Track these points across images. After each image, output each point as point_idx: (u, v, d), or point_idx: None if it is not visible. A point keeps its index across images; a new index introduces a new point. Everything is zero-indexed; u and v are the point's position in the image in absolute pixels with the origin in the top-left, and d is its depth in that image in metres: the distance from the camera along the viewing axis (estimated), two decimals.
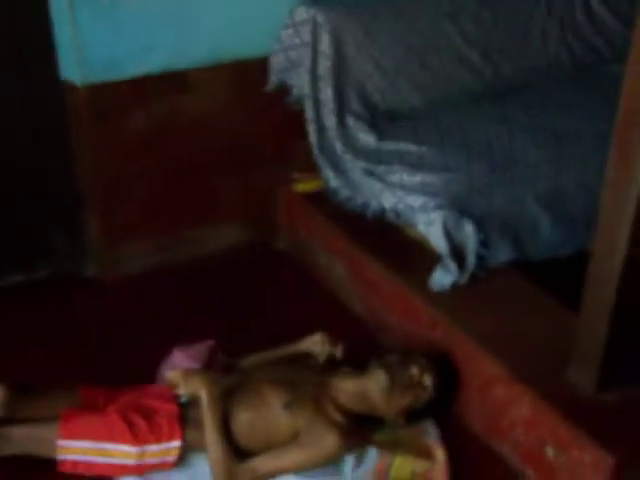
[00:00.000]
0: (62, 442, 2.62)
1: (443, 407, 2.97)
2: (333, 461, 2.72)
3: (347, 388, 2.82)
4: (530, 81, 4.07)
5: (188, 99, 3.62)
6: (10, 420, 2.70)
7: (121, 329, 3.46)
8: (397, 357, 2.85)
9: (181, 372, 2.70)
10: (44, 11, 3.31)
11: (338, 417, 2.75)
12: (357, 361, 2.95)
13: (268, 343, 3.13)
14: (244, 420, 2.73)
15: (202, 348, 3.15)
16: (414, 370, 2.79)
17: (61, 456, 2.63)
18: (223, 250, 3.97)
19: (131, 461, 2.65)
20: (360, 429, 2.82)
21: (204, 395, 2.66)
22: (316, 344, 3.02)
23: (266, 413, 2.74)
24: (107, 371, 3.11)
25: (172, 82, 3.54)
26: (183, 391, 2.68)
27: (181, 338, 3.19)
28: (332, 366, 2.98)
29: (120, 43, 3.35)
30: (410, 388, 2.78)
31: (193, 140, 3.71)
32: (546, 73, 4.15)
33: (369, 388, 2.80)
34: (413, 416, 2.87)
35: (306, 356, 3.05)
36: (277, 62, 3.68)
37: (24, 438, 2.67)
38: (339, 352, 2.99)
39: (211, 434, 2.64)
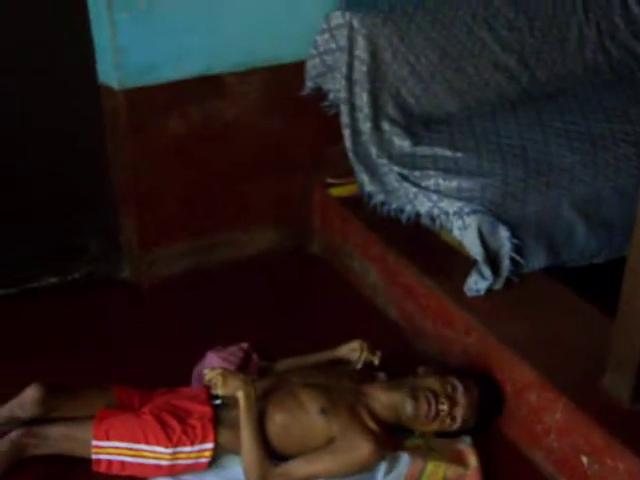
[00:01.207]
0: (96, 442, 2.65)
1: (482, 429, 2.91)
2: (366, 469, 2.71)
3: (381, 399, 2.82)
4: (566, 87, 4.03)
5: (224, 103, 3.63)
6: (46, 420, 2.73)
7: (156, 331, 3.48)
8: (433, 383, 2.79)
9: (220, 372, 2.69)
10: (83, 16, 3.34)
11: (373, 425, 2.74)
12: (392, 367, 2.97)
13: (302, 346, 3.14)
14: (279, 423, 2.74)
15: (236, 350, 3.16)
16: (444, 406, 2.75)
17: (95, 456, 2.65)
18: (258, 254, 3.99)
19: (164, 462, 2.67)
20: (393, 437, 2.82)
21: (242, 396, 2.66)
22: (354, 351, 3.00)
23: (302, 417, 2.74)
24: (141, 372, 3.12)
25: (208, 86, 3.55)
26: (221, 391, 2.67)
27: (215, 340, 3.22)
28: (369, 371, 2.98)
29: (157, 48, 3.38)
30: (437, 419, 2.77)
31: (229, 144, 3.72)
32: (583, 79, 4.10)
33: (398, 406, 2.79)
34: (446, 435, 2.86)
35: (343, 362, 3.04)
36: (313, 67, 3.69)
37: (60, 437, 2.70)
38: (377, 360, 2.97)
39: (247, 436, 2.65)
